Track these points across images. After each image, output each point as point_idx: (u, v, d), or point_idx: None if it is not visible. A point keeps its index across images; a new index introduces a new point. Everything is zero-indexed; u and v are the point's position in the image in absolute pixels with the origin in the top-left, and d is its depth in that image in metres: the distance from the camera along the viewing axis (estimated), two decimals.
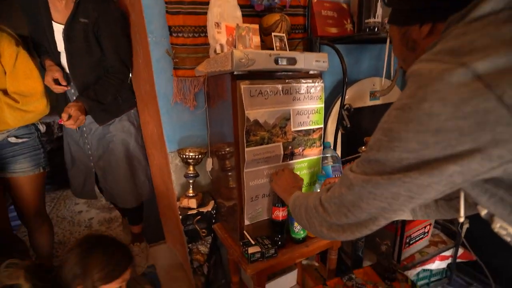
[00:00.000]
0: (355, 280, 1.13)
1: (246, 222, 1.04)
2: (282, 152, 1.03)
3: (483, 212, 0.49)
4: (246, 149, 0.95)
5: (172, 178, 1.35)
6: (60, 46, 1.30)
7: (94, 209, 2.58)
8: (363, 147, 1.26)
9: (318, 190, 1.11)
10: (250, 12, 1.24)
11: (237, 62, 0.87)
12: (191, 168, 1.27)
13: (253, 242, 0.98)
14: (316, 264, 1.61)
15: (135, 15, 1.21)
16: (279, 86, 0.97)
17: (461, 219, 0.53)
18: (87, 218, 2.45)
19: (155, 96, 1.22)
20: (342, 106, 1.22)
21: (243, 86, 0.90)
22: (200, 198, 1.29)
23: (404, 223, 1.23)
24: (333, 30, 1.40)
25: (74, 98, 1.35)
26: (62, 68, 1.34)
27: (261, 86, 0.94)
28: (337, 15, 1.43)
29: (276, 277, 1.38)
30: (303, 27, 1.43)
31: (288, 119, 1.03)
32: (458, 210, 0.52)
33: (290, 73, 1.02)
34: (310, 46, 1.35)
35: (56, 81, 1.29)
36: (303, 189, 1.13)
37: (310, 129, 1.09)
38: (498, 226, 0.48)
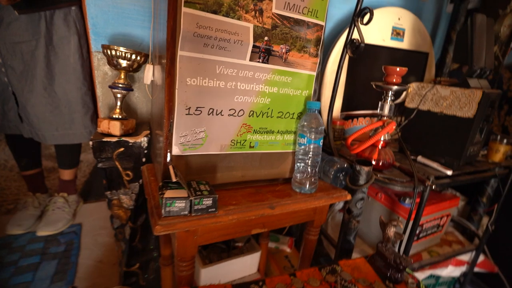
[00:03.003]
0: (340, 274, 0.72)
1: (176, 150, 0.62)
2: (251, 41, 0.61)
3: None
4: (183, 9, 0.53)
5: (97, 93, 0.93)
6: None
7: None
8: (379, 82, 0.85)
9: (306, 125, 0.70)
10: None
11: None
12: (122, 75, 0.85)
13: (174, 179, 0.56)
14: (288, 249, 1.21)
15: None
16: None
17: None
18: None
19: None
20: (357, 11, 0.80)
21: None
22: (130, 124, 0.88)
23: (422, 203, 0.83)
24: None
25: None
26: None
27: None
28: None
29: (227, 258, 0.98)
30: None
31: None
32: None
33: None
34: None
35: None
36: (283, 123, 0.72)
37: (303, 21, 0.67)
38: None
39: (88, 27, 0.86)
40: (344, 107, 1.14)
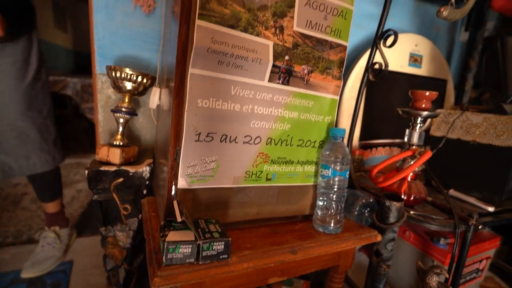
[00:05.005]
0: None
1: (182, 183, 0.53)
2: (271, 60, 0.55)
3: None
4: (197, 22, 0.47)
5: (99, 118, 0.86)
6: None
7: None
8: (407, 108, 0.78)
9: (330, 155, 0.61)
10: None
11: None
12: (126, 99, 0.79)
13: (179, 219, 0.46)
14: None
15: None
16: None
17: None
18: (20, 193, 1.92)
19: None
20: (379, 33, 0.75)
21: None
22: (132, 152, 0.79)
23: (465, 245, 0.71)
24: None
25: None
26: None
27: None
28: None
29: None
30: None
31: (291, 6, 0.56)
32: None
33: None
34: None
35: None
36: (304, 152, 0.64)
37: (326, 41, 0.61)
38: None
39: (94, 49, 0.81)
40: (362, 136, 1.06)
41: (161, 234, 0.48)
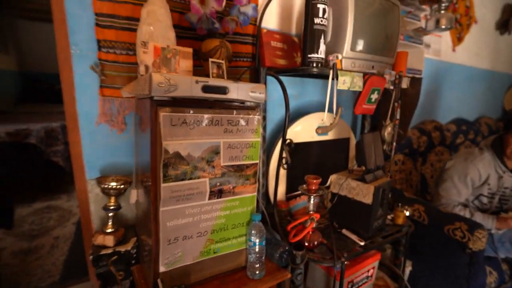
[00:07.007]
0: None
1: (162, 269, 0.89)
2: (208, 189, 0.92)
3: None
4: (162, 185, 0.83)
5: (91, 210, 1.18)
6: None
7: (11, 237, 2.22)
8: (304, 186, 1.19)
9: (253, 232, 1.00)
10: (191, 35, 1.18)
11: (155, 86, 0.77)
12: (112, 199, 1.12)
13: None
14: None
15: (55, 23, 1.05)
16: (207, 116, 0.89)
17: None
18: None
19: (75, 114, 1.08)
20: (283, 141, 1.15)
21: (162, 114, 0.80)
22: (120, 234, 1.13)
23: (342, 272, 1.15)
24: (282, 62, 1.37)
25: None
26: None
27: (186, 115, 0.85)
28: (287, 47, 1.41)
29: None
30: (251, 56, 1.39)
31: (218, 152, 0.93)
32: None
33: (222, 102, 0.94)
34: (257, 76, 1.30)
35: None
36: (236, 231, 1.02)
37: (243, 165, 1.00)
38: None
39: (84, 163, 1.12)
40: (288, 191, 1.48)
41: None
